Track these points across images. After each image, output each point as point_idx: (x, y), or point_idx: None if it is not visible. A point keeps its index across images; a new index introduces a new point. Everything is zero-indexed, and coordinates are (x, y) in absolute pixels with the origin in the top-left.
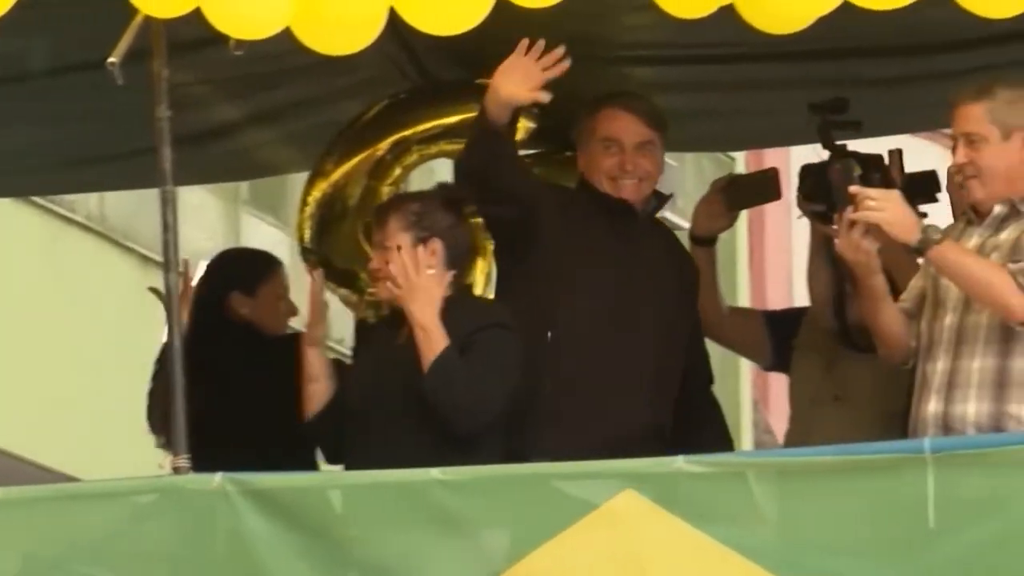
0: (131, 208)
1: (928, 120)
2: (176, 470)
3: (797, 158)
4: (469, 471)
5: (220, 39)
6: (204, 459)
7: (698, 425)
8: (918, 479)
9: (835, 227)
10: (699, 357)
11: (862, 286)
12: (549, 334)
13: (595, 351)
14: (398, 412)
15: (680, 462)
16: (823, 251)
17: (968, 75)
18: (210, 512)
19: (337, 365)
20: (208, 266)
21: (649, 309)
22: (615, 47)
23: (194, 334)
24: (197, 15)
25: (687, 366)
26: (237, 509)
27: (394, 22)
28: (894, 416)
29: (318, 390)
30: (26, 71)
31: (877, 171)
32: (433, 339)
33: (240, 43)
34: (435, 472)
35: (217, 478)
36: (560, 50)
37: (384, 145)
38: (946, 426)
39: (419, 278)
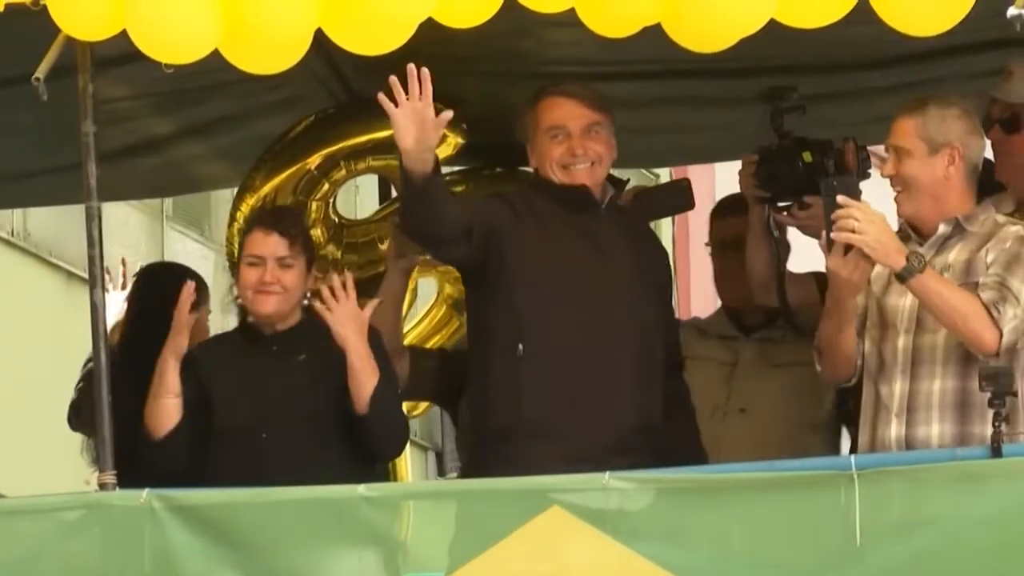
0: (56, 224)
1: (854, 136)
2: (102, 486)
3: (723, 176)
4: (396, 488)
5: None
6: (134, 469)
7: (670, 416)
8: (845, 496)
9: (785, 214)
10: (672, 344)
11: (839, 305)
12: (520, 347)
13: (567, 359)
14: (302, 431)
15: (607, 478)
16: (764, 232)
17: (893, 92)
18: (137, 528)
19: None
20: (139, 280)
21: (622, 308)
22: (540, 63)
23: (128, 347)
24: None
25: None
26: (164, 525)
27: (320, 40)
28: (802, 428)
29: (175, 404)
30: None
31: (830, 158)
32: (370, 367)
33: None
34: (361, 489)
35: (144, 494)
36: (425, 70)
37: (312, 160)
38: (910, 449)
39: (350, 304)
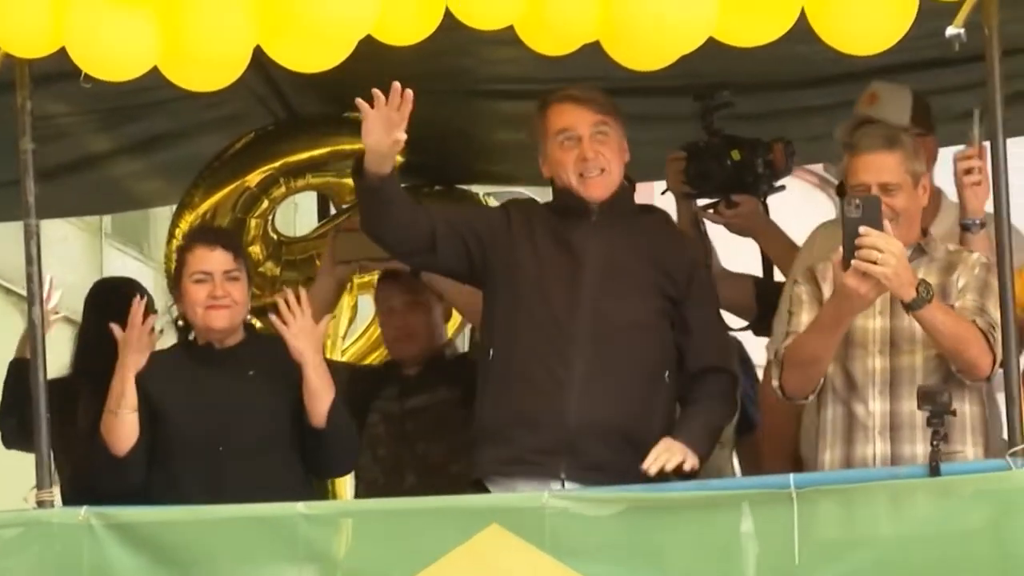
0: None
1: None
2: (41, 504)
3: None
4: (334, 505)
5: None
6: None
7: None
8: (784, 515)
9: (711, 211)
10: (690, 342)
11: (842, 322)
12: (491, 352)
13: (523, 364)
14: (258, 445)
15: (546, 497)
16: (692, 229)
17: (831, 111)
18: (76, 546)
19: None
20: (93, 296)
21: (585, 313)
22: (479, 81)
23: (84, 366)
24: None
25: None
26: (102, 543)
27: (259, 58)
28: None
29: (134, 419)
30: None
31: (762, 157)
32: (327, 381)
33: (90, 76)
34: (300, 507)
35: (82, 512)
36: (408, 91)
37: (252, 178)
38: (895, 465)
39: (306, 318)
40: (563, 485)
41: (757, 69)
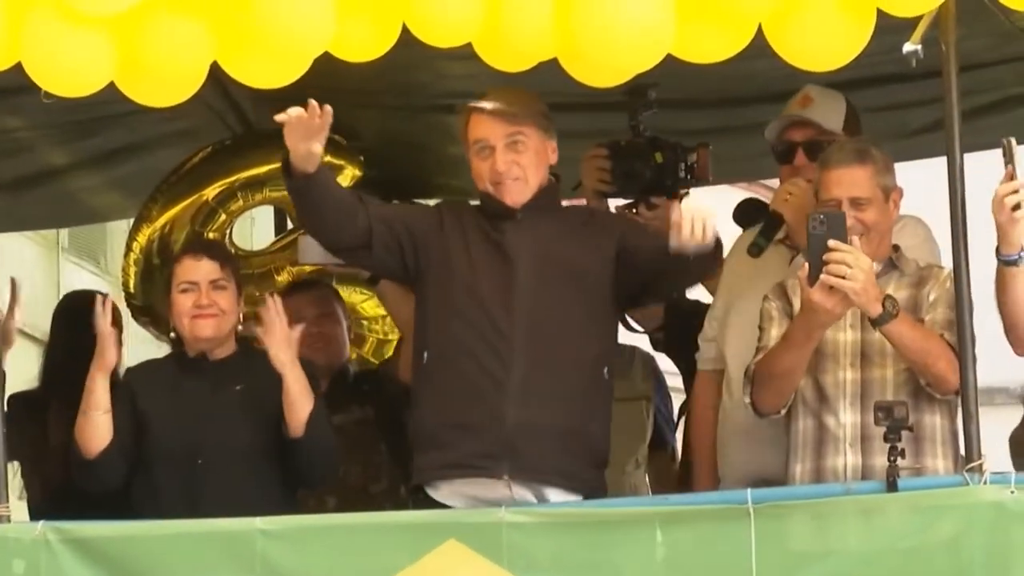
0: None
1: (748, 170)
2: None
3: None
4: (292, 521)
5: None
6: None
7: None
8: (741, 530)
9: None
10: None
11: (811, 336)
12: (424, 355)
13: (458, 367)
14: (238, 458)
15: (503, 512)
16: None
17: None
18: (33, 561)
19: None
20: (61, 310)
21: (521, 314)
22: (436, 96)
23: (49, 377)
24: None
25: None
26: (59, 558)
27: (216, 73)
28: (627, 463)
29: (105, 420)
30: None
31: (684, 161)
32: (307, 391)
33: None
34: (258, 522)
35: (39, 526)
36: (327, 107)
37: (209, 191)
38: (865, 477)
39: (285, 327)
40: (510, 488)
41: (714, 85)
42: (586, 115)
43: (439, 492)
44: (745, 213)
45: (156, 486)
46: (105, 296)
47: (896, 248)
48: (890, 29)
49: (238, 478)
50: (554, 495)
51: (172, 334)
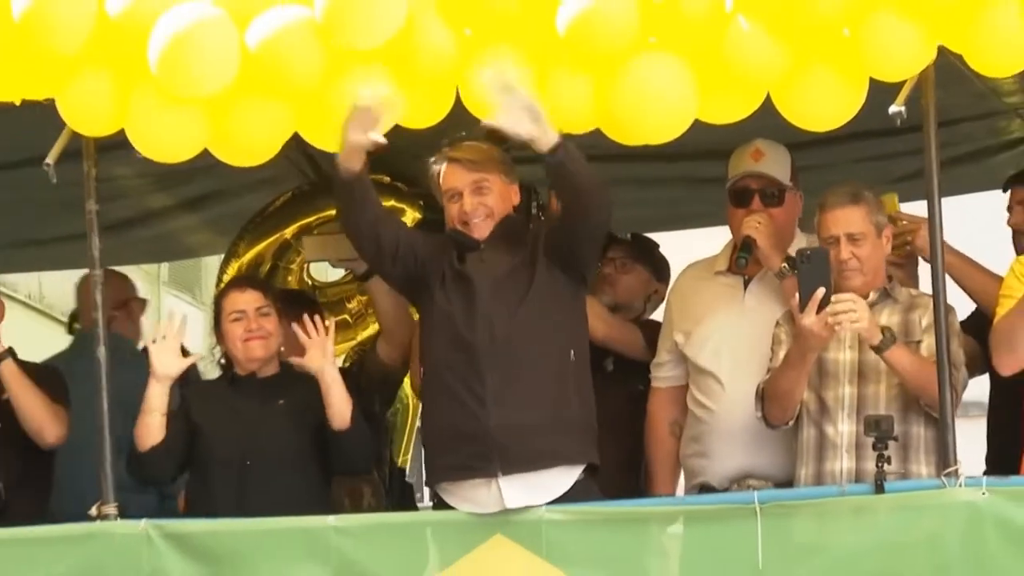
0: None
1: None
2: (104, 516)
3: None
4: (360, 519)
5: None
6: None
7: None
8: (749, 527)
9: None
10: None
11: (805, 358)
12: (422, 370)
13: (445, 380)
14: (287, 464)
15: (543, 511)
16: None
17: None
18: (136, 554)
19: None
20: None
21: (485, 328)
22: None
23: None
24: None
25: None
26: (159, 551)
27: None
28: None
29: (157, 423)
30: None
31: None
32: (345, 391)
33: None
34: (331, 519)
35: (142, 523)
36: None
37: (289, 230)
38: (859, 480)
39: (327, 341)
40: (498, 485)
41: (725, 138)
42: None
43: (447, 495)
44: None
45: (210, 486)
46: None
47: (890, 278)
48: (876, 92)
49: (282, 478)
50: (553, 475)
51: (222, 360)
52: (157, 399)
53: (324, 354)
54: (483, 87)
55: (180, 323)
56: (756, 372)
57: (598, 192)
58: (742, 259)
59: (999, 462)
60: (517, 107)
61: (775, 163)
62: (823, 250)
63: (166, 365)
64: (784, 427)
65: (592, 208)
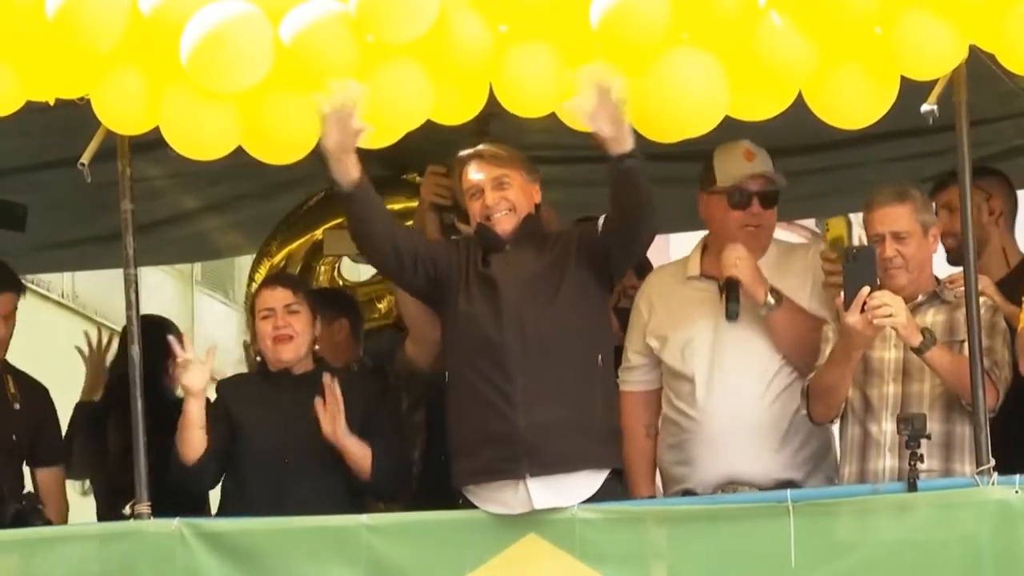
0: (100, 287)
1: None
2: (138, 515)
3: (676, 243)
4: (393, 518)
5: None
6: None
7: None
8: (782, 525)
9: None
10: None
11: (849, 356)
12: (447, 376)
13: (470, 385)
14: (318, 457)
15: (575, 510)
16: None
17: (822, 173)
18: (169, 552)
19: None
20: (124, 333)
21: (511, 332)
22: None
23: (110, 391)
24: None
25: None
26: (192, 549)
27: None
28: None
29: (199, 436)
30: (10, 168)
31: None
32: (360, 448)
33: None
34: (364, 518)
35: (175, 522)
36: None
37: (321, 230)
38: (901, 478)
39: (333, 410)
40: (526, 486)
41: (755, 137)
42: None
43: (473, 497)
44: None
45: (246, 481)
46: (174, 333)
47: (938, 280)
48: (908, 91)
49: (317, 475)
50: (580, 478)
51: (258, 357)
52: (195, 414)
53: (333, 421)
54: (578, 79)
55: (210, 352)
56: (736, 378)
57: (653, 210)
58: (733, 308)
59: None
60: (605, 105)
61: (766, 162)
62: (870, 248)
63: (198, 381)
64: (828, 424)
65: (645, 221)
